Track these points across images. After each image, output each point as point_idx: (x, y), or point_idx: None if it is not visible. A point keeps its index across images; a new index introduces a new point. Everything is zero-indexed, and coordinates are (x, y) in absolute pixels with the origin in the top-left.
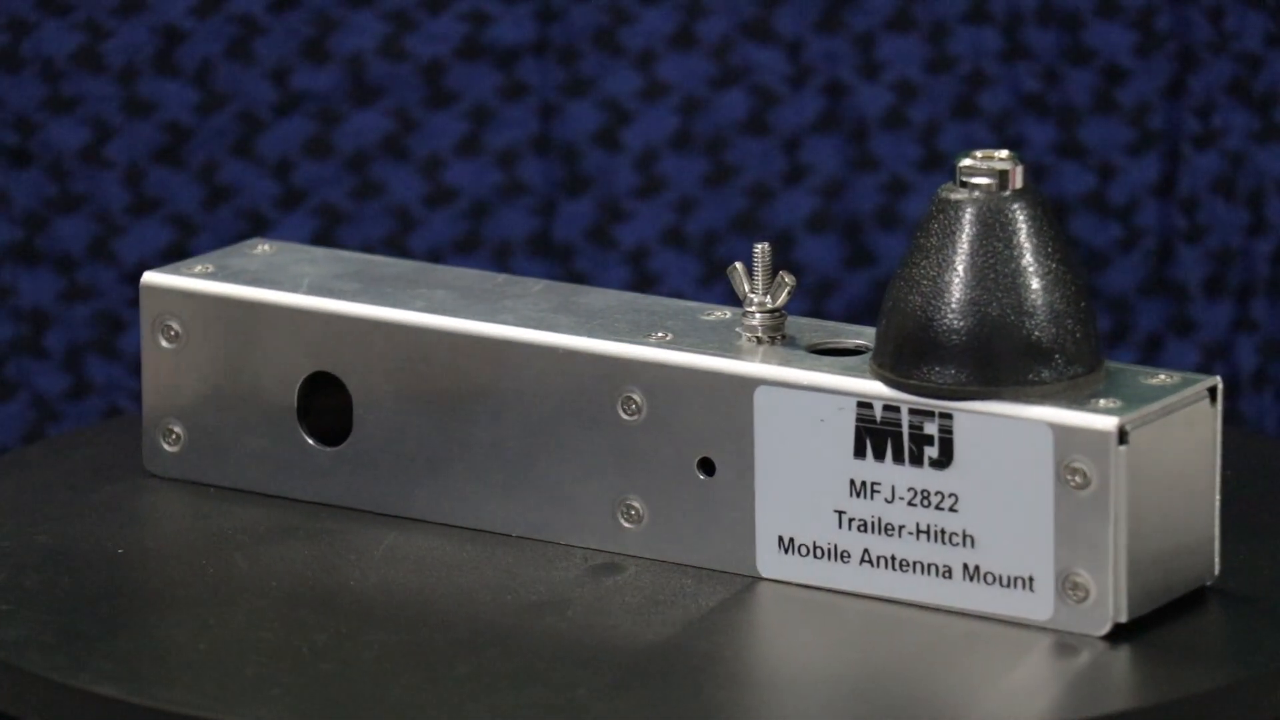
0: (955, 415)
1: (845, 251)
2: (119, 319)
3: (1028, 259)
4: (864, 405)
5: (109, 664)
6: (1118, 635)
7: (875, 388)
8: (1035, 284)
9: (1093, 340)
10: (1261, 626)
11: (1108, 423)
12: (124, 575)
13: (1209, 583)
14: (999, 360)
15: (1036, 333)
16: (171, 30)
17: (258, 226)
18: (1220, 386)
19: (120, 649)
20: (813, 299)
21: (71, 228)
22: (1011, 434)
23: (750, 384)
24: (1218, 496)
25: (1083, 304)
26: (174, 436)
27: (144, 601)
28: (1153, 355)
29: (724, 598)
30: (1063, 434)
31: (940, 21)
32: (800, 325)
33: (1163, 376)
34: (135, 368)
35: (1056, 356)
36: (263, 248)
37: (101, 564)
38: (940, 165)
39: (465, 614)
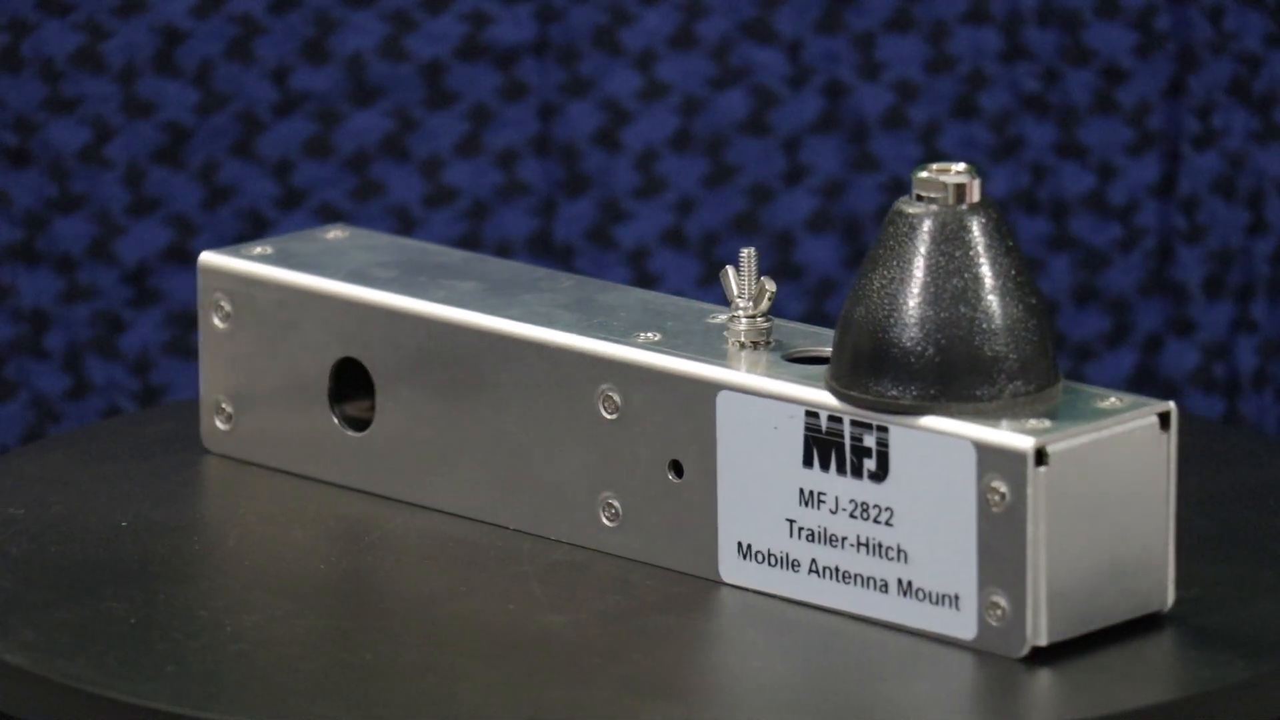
0: (891, 429)
1: (845, 251)
2: (119, 319)
3: (974, 274)
4: (811, 415)
5: (32, 633)
6: (1042, 658)
7: (823, 398)
8: (980, 300)
9: (1044, 359)
10: (1193, 655)
11: (1024, 443)
12: (110, 547)
13: (1164, 609)
14: (939, 375)
15: (978, 349)
16: (171, 30)
17: (258, 227)
18: (1175, 412)
19: (52, 619)
20: (812, 299)
21: (71, 228)
22: (939, 450)
23: (713, 388)
24: (1171, 523)
25: (1033, 322)
26: (226, 414)
27: (111, 573)
28: (1153, 355)
29: (668, 600)
30: (984, 452)
31: (940, 21)
32: (791, 330)
33: (1113, 399)
34: (135, 368)
35: (997, 374)
36: (334, 233)
37: (97, 536)
38: None
39: (409, 604)
